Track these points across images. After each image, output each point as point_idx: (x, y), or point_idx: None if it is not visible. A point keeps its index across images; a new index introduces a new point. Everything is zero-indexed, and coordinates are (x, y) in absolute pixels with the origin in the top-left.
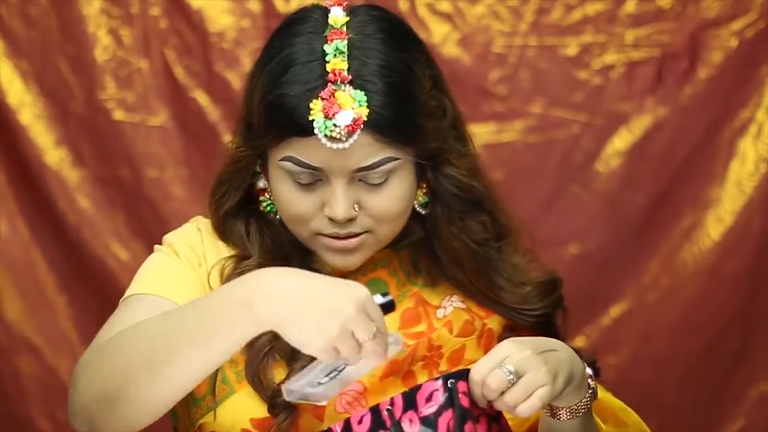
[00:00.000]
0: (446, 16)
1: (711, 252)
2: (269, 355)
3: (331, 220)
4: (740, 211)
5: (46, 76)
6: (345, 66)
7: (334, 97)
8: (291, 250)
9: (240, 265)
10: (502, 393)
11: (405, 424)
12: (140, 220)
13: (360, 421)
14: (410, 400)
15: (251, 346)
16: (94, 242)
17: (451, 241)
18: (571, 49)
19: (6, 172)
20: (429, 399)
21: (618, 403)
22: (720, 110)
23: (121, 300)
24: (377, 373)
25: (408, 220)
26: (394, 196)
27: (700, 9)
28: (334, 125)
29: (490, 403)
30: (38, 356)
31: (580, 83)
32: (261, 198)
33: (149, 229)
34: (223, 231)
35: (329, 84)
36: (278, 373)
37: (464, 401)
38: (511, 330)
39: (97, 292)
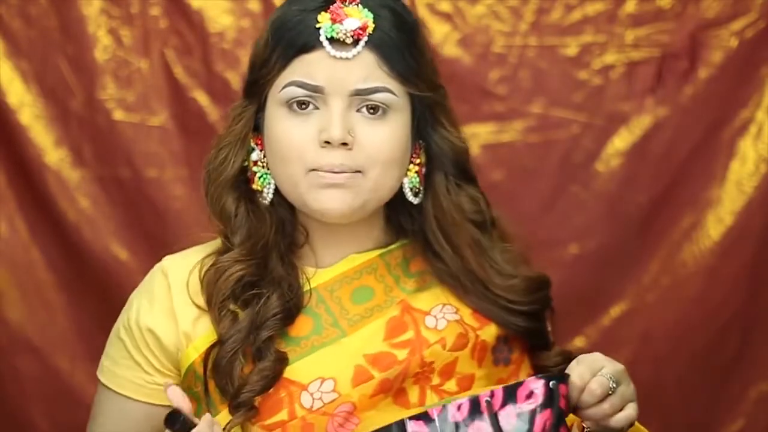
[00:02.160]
0: (446, 16)
1: (711, 252)
2: (236, 355)
3: (326, 145)
4: (740, 211)
5: (46, 76)
6: None
7: (341, 9)
8: (271, 243)
9: (219, 260)
10: (600, 401)
11: (502, 416)
12: (140, 220)
13: (459, 408)
14: (511, 395)
15: (222, 346)
16: (94, 242)
17: (451, 212)
18: (571, 49)
19: (6, 172)
20: (529, 396)
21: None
22: (720, 110)
23: (98, 372)
24: (367, 391)
25: (398, 218)
26: (389, 136)
27: (700, 9)
28: (341, 29)
29: (574, 410)
30: (38, 356)
31: (580, 83)
32: (254, 169)
33: (149, 229)
34: (216, 206)
35: (338, 1)
36: (245, 371)
37: (563, 404)
38: (506, 341)
39: (97, 292)
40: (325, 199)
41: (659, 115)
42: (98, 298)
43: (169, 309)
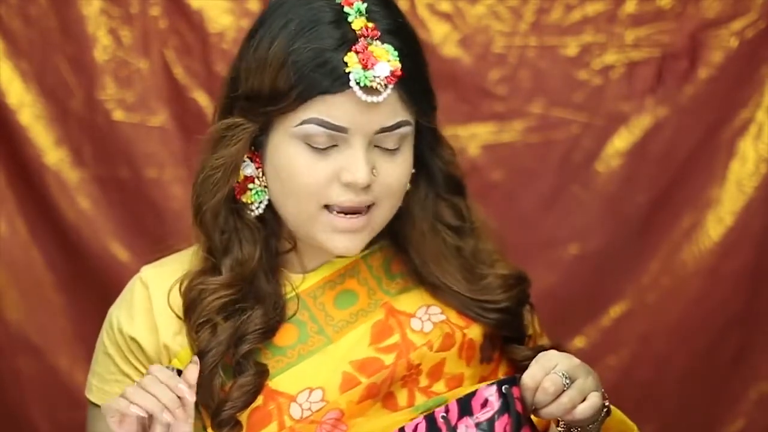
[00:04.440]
0: (446, 16)
1: (711, 252)
2: (216, 368)
3: (347, 186)
4: (740, 211)
5: (46, 76)
6: (371, 24)
7: (368, 50)
8: (259, 266)
9: (205, 281)
10: (557, 397)
11: (461, 430)
12: (140, 220)
13: (415, 429)
14: (465, 407)
15: (202, 359)
16: (94, 242)
17: (421, 223)
18: (571, 49)
19: (6, 172)
20: (484, 405)
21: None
22: (720, 110)
23: (86, 392)
24: (354, 397)
25: None
26: (405, 165)
27: (700, 9)
28: (374, 76)
29: (534, 411)
30: (38, 356)
31: (580, 83)
32: (250, 186)
33: (149, 229)
34: (205, 229)
35: (361, 38)
36: (225, 386)
37: (518, 406)
38: (491, 338)
39: (97, 292)
40: (339, 242)
41: (659, 115)
42: (98, 298)
43: (151, 321)
